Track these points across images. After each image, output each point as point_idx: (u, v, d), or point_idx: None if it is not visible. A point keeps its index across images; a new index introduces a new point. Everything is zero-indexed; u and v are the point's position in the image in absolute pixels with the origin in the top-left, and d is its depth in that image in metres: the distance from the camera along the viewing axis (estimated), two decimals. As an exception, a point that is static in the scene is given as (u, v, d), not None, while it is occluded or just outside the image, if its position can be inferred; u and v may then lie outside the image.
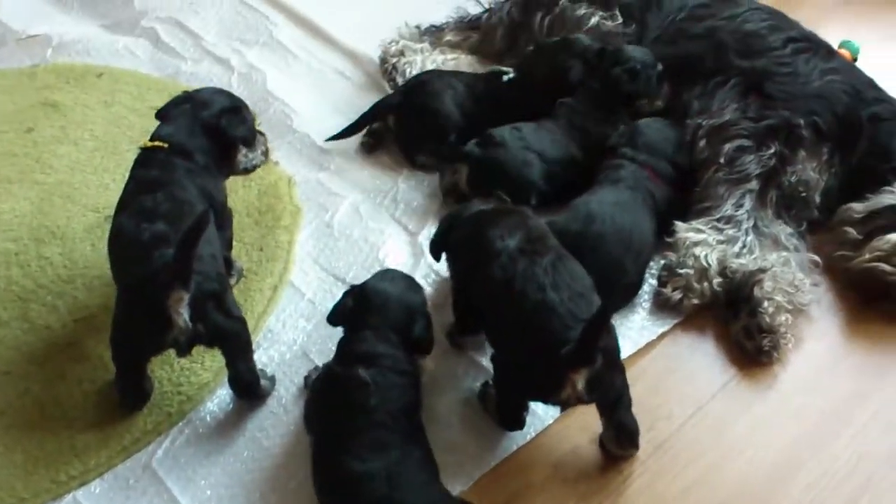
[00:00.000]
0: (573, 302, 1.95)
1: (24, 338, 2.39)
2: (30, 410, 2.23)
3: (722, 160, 2.65)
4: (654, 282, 2.56)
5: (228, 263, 2.43)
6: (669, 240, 2.57)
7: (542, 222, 2.25)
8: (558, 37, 3.07)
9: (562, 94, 2.90)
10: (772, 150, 2.63)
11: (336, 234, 2.75)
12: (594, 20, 3.16)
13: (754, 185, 2.62)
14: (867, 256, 2.50)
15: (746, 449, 2.21)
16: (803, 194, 2.67)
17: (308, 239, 2.73)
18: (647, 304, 2.53)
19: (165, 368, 2.30)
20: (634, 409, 2.11)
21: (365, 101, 3.14)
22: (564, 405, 2.05)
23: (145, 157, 2.30)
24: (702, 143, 2.72)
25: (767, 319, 2.37)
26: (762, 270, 2.45)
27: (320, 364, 2.28)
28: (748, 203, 2.60)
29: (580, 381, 1.89)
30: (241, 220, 2.65)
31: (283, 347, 2.41)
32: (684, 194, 2.70)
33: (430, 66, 3.26)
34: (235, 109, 2.42)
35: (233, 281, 2.47)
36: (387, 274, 2.26)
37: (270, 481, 2.12)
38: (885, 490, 2.13)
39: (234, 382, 2.23)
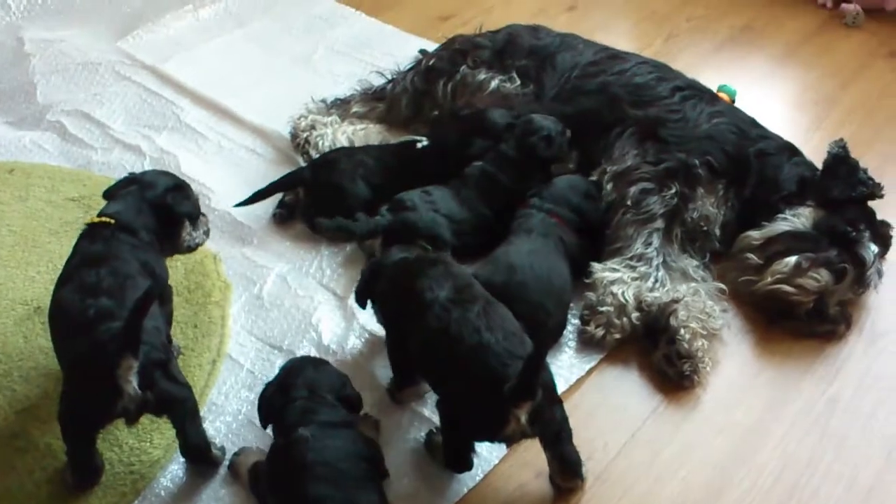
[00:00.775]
0: (507, 341, 2.06)
1: (-34, 434, 2.37)
2: (-18, 504, 2.22)
3: (629, 202, 2.83)
4: (577, 321, 2.70)
5: (168, 340, 2.47)
6: (588, 280, 2.73)
7: (464, 270, 2.37)
8: (469, 108, 3.23)
9: (471, 158, 3.05)
10: (673, 191, 2.83)
11: (267, 305, 2.81)
12: (494, 84, 3.34)
13: (660, 223, 2.80)
14: (769, 279, 2.70)
15: (680, 469, 2.35)
16: (705, 228, 2.87)
17: (240, 312, 2.79)
18: (573, 343, 2.67)
19: (115, 450, 2.31)
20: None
21: (278, 175, 3.22)
22: (510, 441, 2.14)
23: (91, 233, 2.34)
24: (608, 186, 2.90)
25: (685, 346, 2.54)
26: (675, 301, 2.62)
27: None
28: (656, 241, 2.78)
29: (523, 416, 1.99)
30: (171, 299, 2.69)
31: (229, 418, 2.45)
32: (594, 239, 2.87)
33: (340, 137, 3.36)
34: (180, 188, 2.50)
35: (171, 360, 2.51)
36: (292, 361, 2.34)
37: (232, 549, 2.16)
38: (810, 494, 2.29)
39: (185, 450, 2.26)
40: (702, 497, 2.28)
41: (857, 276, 2.70)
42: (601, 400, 2.53)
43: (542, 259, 2.62)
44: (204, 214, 2.61)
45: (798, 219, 2.80)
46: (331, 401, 2.18)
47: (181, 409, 2.20)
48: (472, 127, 3.12)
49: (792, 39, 4.23)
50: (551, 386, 2.10)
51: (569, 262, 2.71)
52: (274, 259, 2.99)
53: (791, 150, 2.99)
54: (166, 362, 2.17)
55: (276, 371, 2.41)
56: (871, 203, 2.84)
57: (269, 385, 2.25)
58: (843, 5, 4.33)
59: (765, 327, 2.74)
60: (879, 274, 2.74)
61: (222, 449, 2.32)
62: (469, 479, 2.29)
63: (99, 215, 2.40)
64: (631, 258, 2.75)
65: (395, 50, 4.01)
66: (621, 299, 2.64)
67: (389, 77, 3.64)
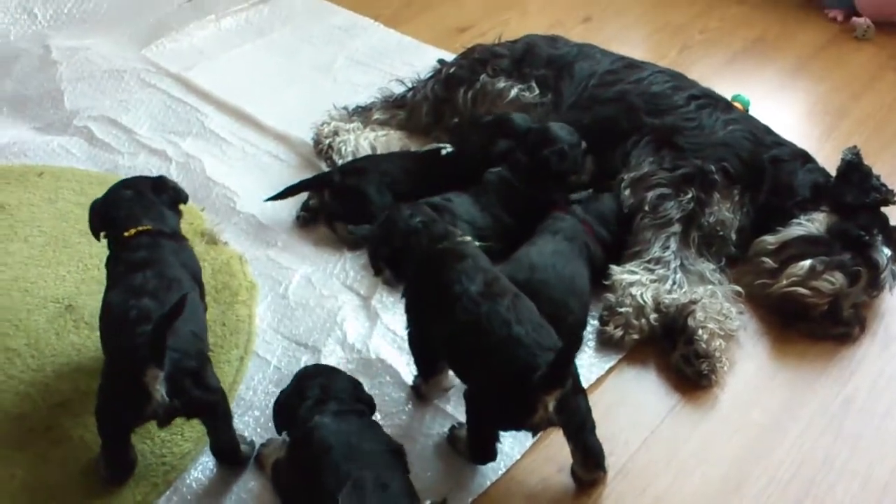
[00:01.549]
0: (536, 332, 2.13)
1: (2, 426, 2.42)
2: (19, 495, 2.26)
3: (646, 207, 2.90)
4: (596, 322, 2.76)
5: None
6: (606, 282, 2.79)
7: (490, 264, 2.39)
8: (491, 115, 3.29)
9: (492, 164, 3.11)
10: (689, 195, 2.89)
11: (293, 304, 2.87)
12: (513, 93, 3.40)
13: (677, 227, 2.87)
14: (784, 282, 2.76)
15: (698, 465, 2.40)
16: (721, 233, 2.93)
17: (266, 311, 2.85)
18: (592, 343, 2.73)
19: (147, 442, 2.36)
20: (593, 439, 2.27)
21: (300, 179, 3.30)
22: (536, 429, 2.19)
23: (129, 243, 2.40)
24: (626, 192, 2.96)
25: (703, 345, 2.59)
26: (693, 302, 2.68)
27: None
28: (673, 244, 2.84)
29: (551, 403, 2.05)
30: (199, 298, 2.75)
31: (257, 412, 2.51)
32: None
33: (362, 143, 3.43)
34: (163, 178, 2.63)
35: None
36: (305, 369, 2.37)
37: (261, 539, 2.21)
38: (826, 490, 2.34)
39: (215, 451, 2.33)
40: (721, 492, 2.34)
41: (871, 280, 2.76)
42: (620, 398, 2.59)
43: (565, 260, 2.68)
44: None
45: (812, 224, 2.86)
46: (345, 399, 2.22)
47: (212, 416, 2.26)
48: (495, 130, 3.18)
49: (803, 52, 4.30)
50: (577, 377, 2.16)
51: (590, 269, 2.77)
52: (298, 261, 3.05)
53: (805, 157, 3.05)
54: (198, 370, 2.20)
55: (302, 367, 2.50)
56: (883, 209, 2.90)
57: (283, 392, 2.30)
58: (854, 19, 4.41)
59: (780, 329, 2.79)
60: (893, 277, 2.80)
61: (251, 444, 2.38)
62: (492, 473, 2.35)
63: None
64: (649, 261, 2.81)
65: (414, 60, 4.09)
66: (640, 301, 2.70)
67: (409, 85, 3.71)
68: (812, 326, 2.75)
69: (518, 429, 2.22)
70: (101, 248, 2.53)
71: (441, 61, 3.80)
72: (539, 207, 2.97)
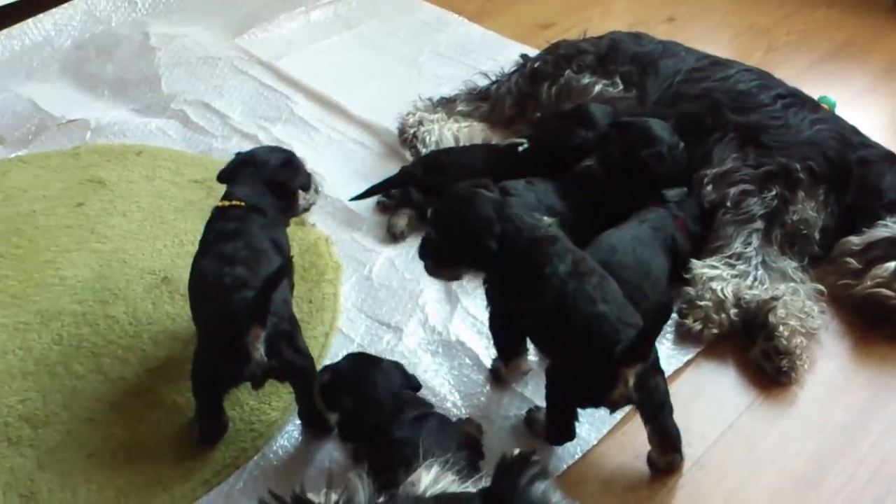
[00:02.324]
0: (621, 311, 2.19)
1: (101, 388, 2.56)
2: (116, 451, 2.40)
3: (729, 203, 2.90)
4: (675, 315, 2.78)
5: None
6: (687, 276, 2.80)
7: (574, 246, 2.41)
8: (571, 105, 3.32)
9: (575, 152, 3.12)
10: (773, 193, 2.89)
11: (376, 285, 2.96)
12: (598, 88, 3.42)
13: (759, 224, 2.87)
14: (868, 283, 2.74)
15: (776, 460, 2.41)
16: (804, 232, 2.92)
17: (351, 291, 2.94)
18: (670, 336, 2.75)
19: (236, 409, 2.47)
20: (670, 429, 2.30)
21: (385, 167, 3.42)
22: (614, 406, 2.22)
23: (223, 215, 2.51)
24: (708, 188, 2.97)
25: (784, 342, 2.59)
26: (774, 299, 2.68)
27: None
28: (755, 241, 2.85)
29: (631, 378, 2.09)
30: (288, 276, 2.85)
31: (342, 386, 2.59)
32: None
33: (446, 133, 3.49)
34: (290, 162, 2.68)
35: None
36: (355, 357, 2.44)
37: (343, 507, 2.29)
38: (907, 491, 2.33)
39: (304, 416, 2.42)
40: (797, 487, 2.34)
41: (957, 284, 2.73)
42: (698, 392, 2.61)
43: (645, 247, 2.70)
44: (311, 174, 2.78)
45: (899, 226, 2.84)
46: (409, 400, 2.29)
47: (303, 378, 2.35)
48: (573, 120, 3.20)
49: (893, 57, 4.23)
50: (656, 357, 2.20)
51: (671, 261, 2.78)
52: (381, 244, 3.14)
53: (893, 160, 3.02)
54: (292, 333, 2.32)
55: (384, 345, 2.58)
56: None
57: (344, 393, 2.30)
58: (947, 23, 4.33)
59: (862, 331, 2.77)
60: (980, 282, 2.76)
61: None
62: (568, 457, 2.39)
63: (226, 198, 2.56)
64: (730, 256, 2.82)
65: (498, 55, 4.13)
66: (720, 295, 2.71)
67: (493, 79, 3.75)
68: (895, 329, 2.72)
69: (597, 405, 2.26)
70: (194, 224, 2.65)
71: (524, 56, 3.84)
72: (624, 205, 2.92)
